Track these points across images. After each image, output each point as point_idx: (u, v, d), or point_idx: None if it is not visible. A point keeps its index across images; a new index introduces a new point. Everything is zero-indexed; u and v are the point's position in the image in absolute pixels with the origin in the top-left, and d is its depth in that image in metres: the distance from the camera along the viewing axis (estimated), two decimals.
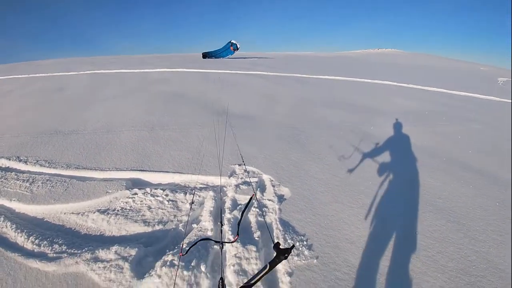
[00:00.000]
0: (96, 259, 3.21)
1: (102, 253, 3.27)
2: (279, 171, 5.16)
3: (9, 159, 5.91)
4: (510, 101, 14.66)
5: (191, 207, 4.00)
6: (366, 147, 6.40)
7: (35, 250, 3.47)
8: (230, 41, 36.20)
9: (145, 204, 4.21)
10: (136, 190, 4.52)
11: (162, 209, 4.13)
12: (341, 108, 9.70)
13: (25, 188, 4.76)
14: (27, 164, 5.68)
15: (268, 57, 46.28)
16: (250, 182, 4.75)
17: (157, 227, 3.78)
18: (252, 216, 3.97)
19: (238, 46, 36.49)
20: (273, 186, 4.75)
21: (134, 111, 8.65)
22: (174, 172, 5.08)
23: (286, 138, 6.72)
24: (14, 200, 4.49)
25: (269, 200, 4.36)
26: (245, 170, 5.12)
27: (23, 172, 5.44)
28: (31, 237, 3.64)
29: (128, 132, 6.85)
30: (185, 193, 4.45)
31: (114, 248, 3.30)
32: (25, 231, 3.78)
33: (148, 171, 5.13)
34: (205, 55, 36.89)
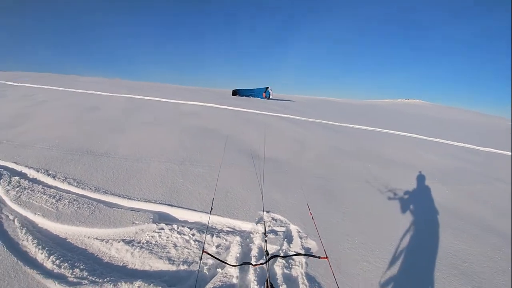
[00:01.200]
0: None
1: (124, 287, 3.15)
2: (306, 222, 4.93)
3: (38, 171, 5.95)
4: None
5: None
6: (392, 203, 6.19)
7: (55, 271, 3.36)
8: (267, 87, 36.31)
9: (171, 241, 4.08)
10: (163, 225, 4.40)
11: (188, 248, 3.98)
12: (370, 160, 9.48)
13: (51, 204, 4.72)
14: (55, 179, 5.67)
15: (298, 100, 46.45)
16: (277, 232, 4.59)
17: (182, 267, 3.63)
18: (278, 268, 3.79)
19: (271, 96, 36.72)
20: (301, 238, 4.52)
21: (165, 142, 8.67)
22: (202, 212, 4.93)
23: (314, 187, 6.53)
24: (38, 214, 4.45)
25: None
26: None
27: (50, 187, 5.43)
28: (52, 256, 3.54)
29: (158, 163, 6.82)
30: (212, 235, 4.31)
31: (138, 283, 3.16)
32: (46, 248, 3.69)
33: (176, 206, 5.00)
34: (236, 93, 37.19)
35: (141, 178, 5.98)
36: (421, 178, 8.08)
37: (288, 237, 4.57)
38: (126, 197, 5.16)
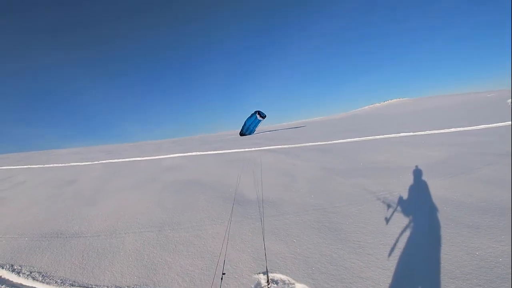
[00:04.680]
0: None
1: None
2: (315, 276, 4.11)
3: (3, 267, 5.36)
4: None
5: None
6: (402, 219, 5.48)
7: None
8: (256, 111, 35.76)
9: None
10: None
11: None
12: (366, 173, 8.86)
13: None
14: (19, 275, 5.09)
15: (281, 128, 46.06)
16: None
17: None
18: None
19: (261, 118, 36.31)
20: None
21: (143, 206, 8.06)
22: None
23: (315, 224, 5.73)
24: None
25: None
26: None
27: (14, 285, 4.85)
28: None
29: (133, 235, 6.22)
30: None
31: None
32: None
33: None
34: (242, 134, 36.71)
35: (113, 258, 5.36)
36: (428, 180, 7.54)
37: None
38: (95, 287, 4.51)
